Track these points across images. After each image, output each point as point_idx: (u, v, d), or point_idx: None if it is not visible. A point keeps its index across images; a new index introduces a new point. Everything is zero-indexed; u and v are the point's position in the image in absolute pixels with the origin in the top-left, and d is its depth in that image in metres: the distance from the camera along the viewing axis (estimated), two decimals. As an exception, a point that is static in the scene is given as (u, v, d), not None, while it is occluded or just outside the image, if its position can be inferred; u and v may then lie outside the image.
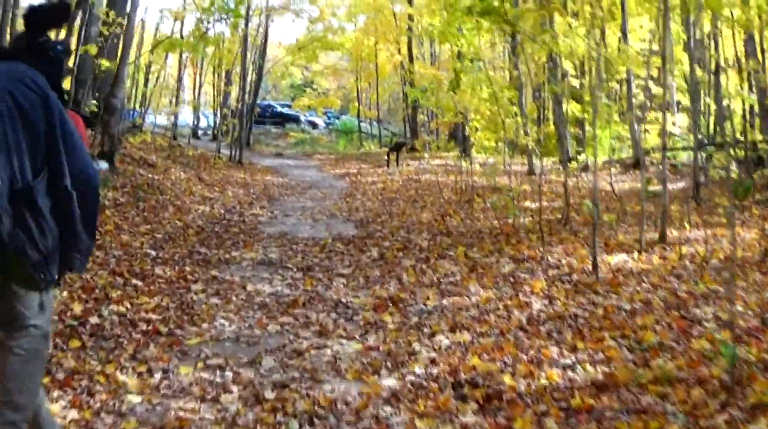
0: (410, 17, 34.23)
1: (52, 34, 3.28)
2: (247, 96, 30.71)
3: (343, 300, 6.94)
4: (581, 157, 24.01)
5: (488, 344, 5.46)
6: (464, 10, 12.38)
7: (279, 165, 26.31)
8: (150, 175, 14.88)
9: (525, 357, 5.15)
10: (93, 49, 14.55)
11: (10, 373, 2.85)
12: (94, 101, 16.18)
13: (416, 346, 5.47)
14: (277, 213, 13.55)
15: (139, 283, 7.29)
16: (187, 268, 8.15)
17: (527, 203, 13.62)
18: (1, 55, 3.05)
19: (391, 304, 6.75)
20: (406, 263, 8.54)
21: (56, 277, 2.84)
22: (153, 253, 8.88)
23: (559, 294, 6.98)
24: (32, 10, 3.09)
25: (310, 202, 15.67)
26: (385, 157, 26.71)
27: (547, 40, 12.96)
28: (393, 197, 15.84)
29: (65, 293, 6.32)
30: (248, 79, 30.69)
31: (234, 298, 6.94)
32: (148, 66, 26.35)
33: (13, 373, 2.86)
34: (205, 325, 6.01)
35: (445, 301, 6.84)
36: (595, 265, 7.76)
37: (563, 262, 8.44)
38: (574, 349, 5.28)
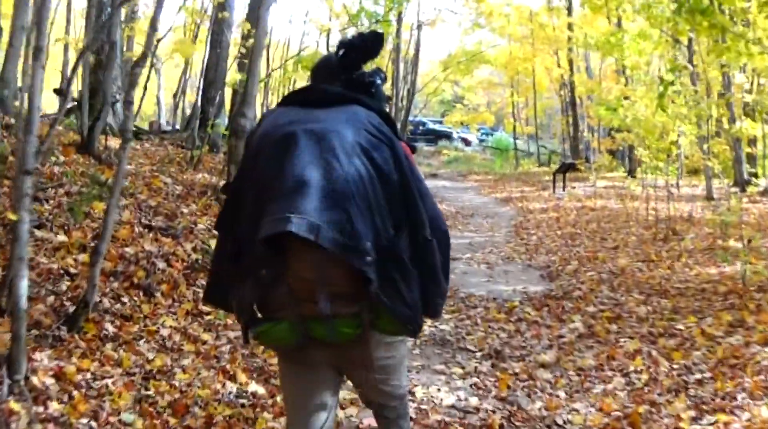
0: (570, 27, 31.63)
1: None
2: (400, 113, 29.22)
3: (558, 420, 4.78)
4: (756, 179, 21.66)
5: None
6: (672, 11, 10.10)
7: (434, 187, 24.33)
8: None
9: None
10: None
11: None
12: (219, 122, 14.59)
13: None
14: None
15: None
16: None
17: (731, 242, 11.04)
18: (333, 99, 2.76)
19: (630, 430, 4.58)
20: (627, 345, 6.27)
21: (422, 324, 2.72)
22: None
23: None
24: (351, 45, 2.88)
25: (476, 237, 13.57)
26: (548, 179, 24.45)
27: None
28: (573, 232, 13.48)
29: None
30: (400, 94, 29.02)
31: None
32: (294, 83, 24.90)
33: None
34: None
35: (706, 424, 4.61)
36: None
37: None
38: None
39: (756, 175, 22.14)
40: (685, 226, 13.23)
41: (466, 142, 47.35)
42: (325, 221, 2.43)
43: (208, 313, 6.53)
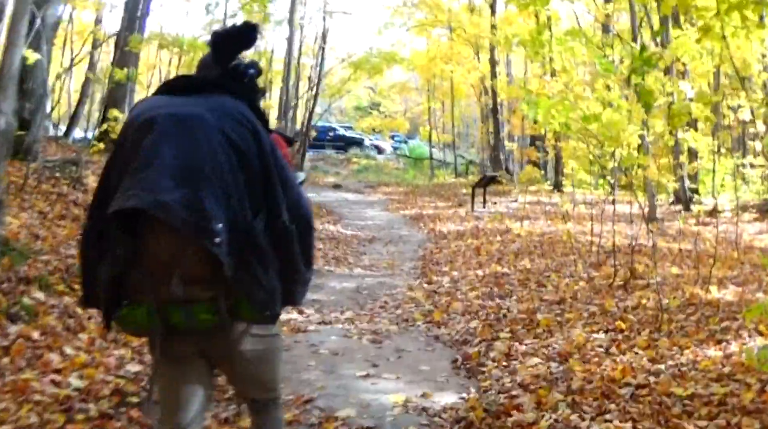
0: (493, 28, 28.67)
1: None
2: (300, 115, 26.00)
3: None
4: (698, 196, 19.41)
5: None
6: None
7: (334, 202, 20.87)
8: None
9: None
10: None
11: (260, 374, 2.86)
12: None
13: None
14: (311, 312, 7.85)
15: None
16: None
17: (715, 292, 7.89)
18: (201, 86, 2.78)
19: None
20: None
21: (280, 311, 2.73)
22: None
23: None
24: (222, 36, 2.88)
25: (369, 278, 10.11)
26: (466, 193, 21.44)
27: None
28: (499, 273, 10.02)
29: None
30: (291, 93, 25.72)
31: None
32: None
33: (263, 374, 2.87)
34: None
35: None
36: None
37: None
38: None
39: (697, 192, 19.84)
40: (643, 262, 9.99)
41: (379, 150, 44.21)
42: (175, 199, 2.41)
43: None
